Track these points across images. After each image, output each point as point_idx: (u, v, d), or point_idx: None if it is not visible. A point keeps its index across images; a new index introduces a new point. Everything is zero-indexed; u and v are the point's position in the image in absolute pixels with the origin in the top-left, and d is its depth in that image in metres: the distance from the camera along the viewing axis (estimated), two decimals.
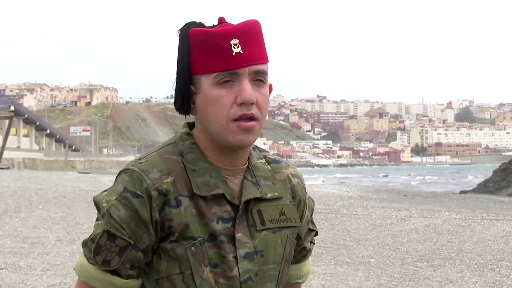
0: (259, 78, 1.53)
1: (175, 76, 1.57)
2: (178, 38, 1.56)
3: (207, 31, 1.52)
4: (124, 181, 1.53)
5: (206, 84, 1.52)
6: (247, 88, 1.50)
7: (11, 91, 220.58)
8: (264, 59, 1.55)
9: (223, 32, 1.51)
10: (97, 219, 1.54)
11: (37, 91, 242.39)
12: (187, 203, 1.53)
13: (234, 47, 1.50)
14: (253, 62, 1.52)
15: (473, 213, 17.58)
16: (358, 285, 7.50)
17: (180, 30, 1.56)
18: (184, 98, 1.55)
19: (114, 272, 1.51)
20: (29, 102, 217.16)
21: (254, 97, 1.50)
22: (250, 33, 1.53)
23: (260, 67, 1.53)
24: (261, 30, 1.56)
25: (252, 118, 1.52)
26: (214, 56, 1.50)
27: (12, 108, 72.97)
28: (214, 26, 1.55)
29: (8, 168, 47.67)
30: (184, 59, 1.54)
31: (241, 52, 1.50)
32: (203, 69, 1.52)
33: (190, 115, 1.59)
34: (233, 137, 1.52)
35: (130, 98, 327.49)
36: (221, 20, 1.56)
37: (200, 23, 1.56)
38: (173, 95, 1.59)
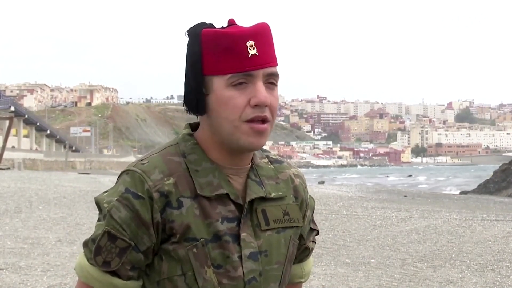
0: (271, 81, 1.53)
1: (183, 77, 1.55)
2: (187, 38, 1.54)
3: (221, 32, 1.50)
4: (125, 182, 1.52)
5: (219, 85, 1.50)
6: (261, 90, 1.49)
7: (11, 91, 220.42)
8: (276, 62, 1.54)
9: (238, 33, 1.50)
10: (98, 220, 1.54)
11: (37, 91, 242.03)
12: (189, 204, 1.52)
13: (250, 49, 1.49)
14: (267, 64, 1.51)
15: (473, 213, 17.57)
16: (358, 286, 7.50)
17: (190, 30, 1.54)
18: (199, 99, 1.53)
19: (114, 273, 1.51)
20: (29, 102, 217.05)
21: (268, 99, 1.50)
22: (264, 36, 1.52)
23: (274, 69, 1.53)
24: (271, 33, 1.56)
25: (264, 120, 1.51)
26: (228, 57, 1.49)
27: (12, 108, 73.03)
28: (224, 27, 1.53)
29: (8, 168, 47.59)
30: (196, 60, 1.52)
31: (257, 54, 1.49)
32: (216, 70, 1.50)
33: (202, 115, 1.56)
34: (245, 138, 1.50)
35: (131, 98, 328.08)
36: (231, 22, 1.54)
37: (210, 24, 1.54)
38: (183, 96, 1.56)
